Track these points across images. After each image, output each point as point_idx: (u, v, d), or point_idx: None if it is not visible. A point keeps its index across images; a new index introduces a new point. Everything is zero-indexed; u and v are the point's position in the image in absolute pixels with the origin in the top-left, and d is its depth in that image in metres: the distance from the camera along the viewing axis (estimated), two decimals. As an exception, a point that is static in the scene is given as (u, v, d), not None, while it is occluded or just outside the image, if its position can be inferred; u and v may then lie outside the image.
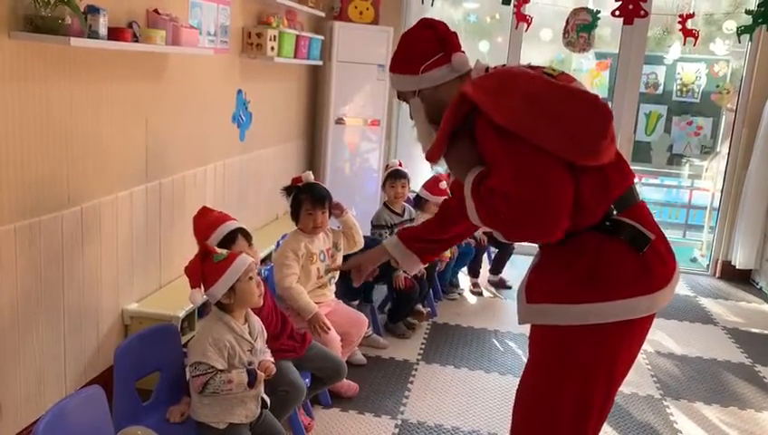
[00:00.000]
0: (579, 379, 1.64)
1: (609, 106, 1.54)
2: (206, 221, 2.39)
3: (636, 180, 1.76)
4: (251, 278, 2.08)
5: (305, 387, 2.43)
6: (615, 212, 1.61)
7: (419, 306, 3.99)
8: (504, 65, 1.80)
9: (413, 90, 1.80)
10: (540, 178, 1.50)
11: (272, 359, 2.18)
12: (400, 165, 3.99)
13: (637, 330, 1.66)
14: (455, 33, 1.82)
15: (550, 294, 1.65)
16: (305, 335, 2.62)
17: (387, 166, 4.06)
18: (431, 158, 1.73)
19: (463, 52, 1.79)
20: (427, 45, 1.77)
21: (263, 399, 2.18)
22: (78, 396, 1.79)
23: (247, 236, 2.40)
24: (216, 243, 2.29)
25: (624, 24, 4.83)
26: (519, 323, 1.77)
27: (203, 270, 2.04)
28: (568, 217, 1.53)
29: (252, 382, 2.05)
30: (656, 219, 1.74)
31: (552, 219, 1.51)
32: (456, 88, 1.70)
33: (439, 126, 1.71)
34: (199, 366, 2.00)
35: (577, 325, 1.61)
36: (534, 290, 1.70)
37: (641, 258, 1.60)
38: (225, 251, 2.09)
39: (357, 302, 3.54)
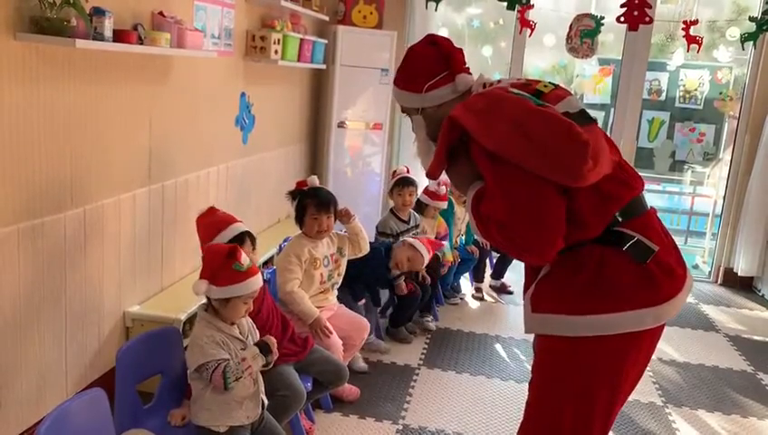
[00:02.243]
0: (581, 388, 1.64)
1: (583, 135, 1.51)
2: (212, 220, 2.37)
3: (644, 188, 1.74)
4: (245, 302, 2.08)
5: (305, 391, 2.42)
6: (620, 220, 1.61)
7: (428, 322, 3.98)
8: (499, 81, 1.80)
9: (416, 107, 1.82)
10: (532, 208, 1.52)
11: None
12: (408, 172, 3.98)
13: (644, 342, 1.65)
14: (460, 50, 1.82)
15: (554, 304, 1.65)
16: (307, 339, 2.61)
17: (394, 172, 4.04)
18: (431, 175, 1.77)
19: (467, 68, 1.80)
20: (431, 64, 1.78)
21: (262, 400, 2.17)
22: (80, 399, 1.79)
23: (253, 240, 2.41)
24: (222, 242, 2.27)
25: (629, 30, 4.84)
26: (525, 332, 1.77)
27: (219, 265, 2.03)
28: (562, 239, 1.55)
29: (266, 352, 2.05)
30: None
31: (545, 246, 1.54)
32: None
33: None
34: (207, 365, 1.99)
35: (580, 336, 1.61)
36: (540, 300, 1.70)
37: (644, 270, 1.59)
38: (247, 263, 2.06)
39: (362, 301, 3.51)
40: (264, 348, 2.06)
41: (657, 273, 1.60)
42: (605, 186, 1.59)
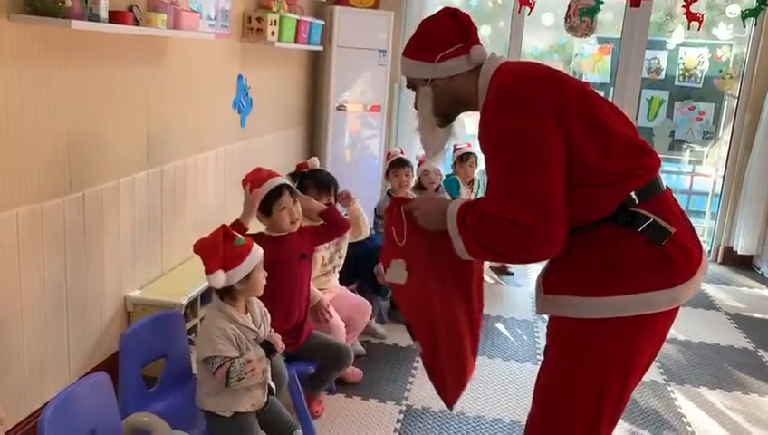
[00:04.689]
0: (594, 371, 1.62)
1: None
2: (259, 174, 2.47)
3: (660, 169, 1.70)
4: (260, 270, 2.07)
5: (287, 374, 2.41)
6: (637, 201, 1.58)
7: None
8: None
9: (426, 78, 1.75)
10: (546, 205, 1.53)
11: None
12: (402, 153, 3.95)
13: (658, 324, 1.63)
14: (475, 26, 1.77)
15: (567, 285, 1.63)
16: (302, 328, 2.58)
17: (388, 154, 4.01)
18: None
19: (481, 45, 1.75)
20: (447, 34, 1.72)
21: (269, 386, 2.17)
22: (84, 383, 1.78)
23: (292, 192, 2.48)
24: (263, 194, 2.38)
25: (631, 6, 4.80)
26: (537, 314, 1.76)
27: (223, 250, 1.99)
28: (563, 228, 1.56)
29: (271, 353, 2.05)
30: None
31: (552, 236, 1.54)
32: (469, 81, 1.68)
33: (443, 125, 1.75)
34: (214, 360, 1.98)
35: (594, 318, 1.59)
36: (552, 281, 1.67)
37: (661, 251, 1.56)
38: (243, 237, 2.06)
39: (356, 285, 3.49)
40: (268, 349, 2.05)
41: (674, 255, 1.57)
42: (620, 165, 1.56)
